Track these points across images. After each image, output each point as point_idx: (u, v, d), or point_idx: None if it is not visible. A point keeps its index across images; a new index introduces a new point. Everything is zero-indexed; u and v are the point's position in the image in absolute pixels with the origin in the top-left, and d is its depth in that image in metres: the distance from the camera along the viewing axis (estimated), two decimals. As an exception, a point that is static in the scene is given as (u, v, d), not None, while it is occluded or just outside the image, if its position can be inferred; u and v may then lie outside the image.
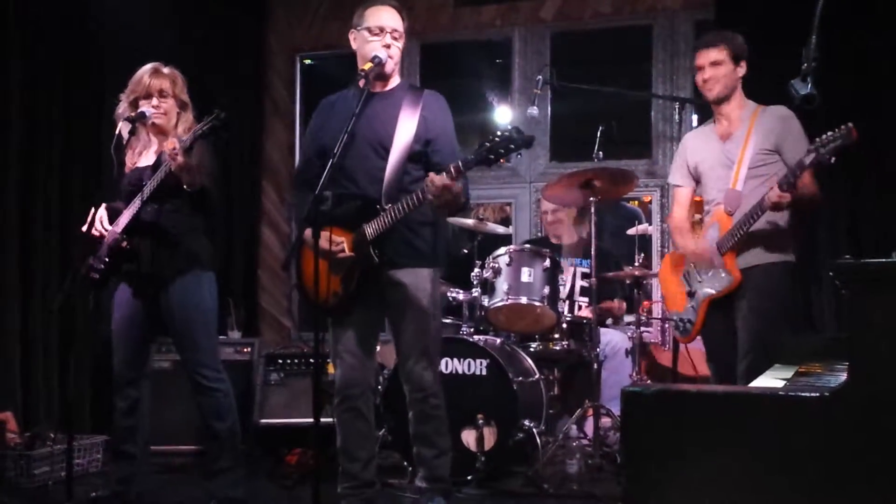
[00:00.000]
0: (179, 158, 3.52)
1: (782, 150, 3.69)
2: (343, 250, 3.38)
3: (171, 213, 3.74)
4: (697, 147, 3.94)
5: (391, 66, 3.48)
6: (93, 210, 3.82)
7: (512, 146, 3.10)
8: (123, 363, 3.81)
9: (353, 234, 3.40)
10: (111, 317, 3.89)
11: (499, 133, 3.11)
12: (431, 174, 3.20)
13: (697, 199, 4.02)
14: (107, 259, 3.75)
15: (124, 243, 3.72)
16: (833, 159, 3.32)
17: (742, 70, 3.78)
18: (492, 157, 3.12)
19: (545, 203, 5.29)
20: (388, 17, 3.48)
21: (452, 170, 3.16)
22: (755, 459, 2.20)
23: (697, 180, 3.95)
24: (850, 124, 3.25)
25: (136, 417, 3.83)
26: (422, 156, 3.46)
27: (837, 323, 4.75)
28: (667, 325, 4.92)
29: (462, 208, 3.45)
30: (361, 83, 3.44)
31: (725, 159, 3.78)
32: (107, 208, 3.82)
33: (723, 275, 3.69)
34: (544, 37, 6.10)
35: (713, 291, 3.73)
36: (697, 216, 4.83)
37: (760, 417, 2.24)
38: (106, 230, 3.77)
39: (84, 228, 3.80)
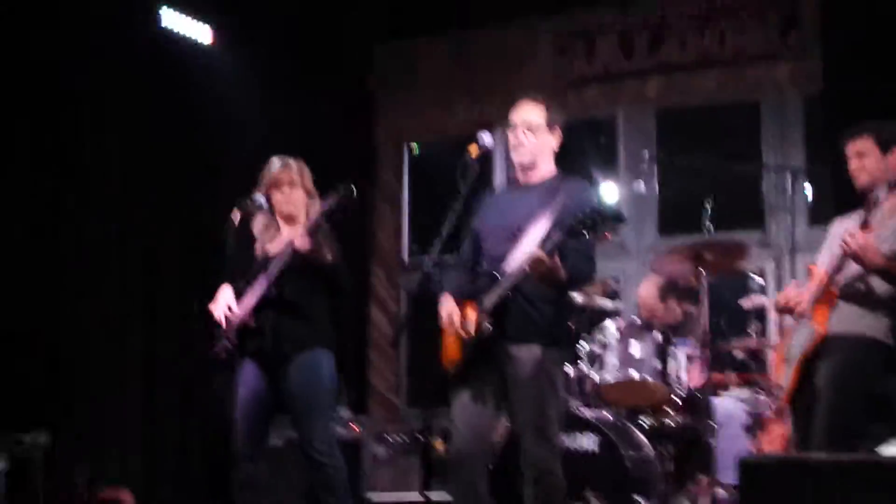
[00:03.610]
0: (306, 239, 3.66)
1: None
2: (464, 327, 3.44)
3: (297, 292, 3.84)
4: (838, 231, 3.71)
5: (524, 158, 3.55)
6: (221, 290, 3.92)
7: (599, 219, 3.17)
8: (243, 439, 3.87)
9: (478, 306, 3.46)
10: (228, 396, 3.98)
11: (587, 209, 3.19)
12: (533, 247, 3.26)
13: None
14: (234, 339, 3.85)
15: (251, 321, 3.83)
16: None
17: (894, 159, 3.60)
18: (578, 230, 3.18)
19: (646, 299, 5.20)
20: (519, 114, 3.58)
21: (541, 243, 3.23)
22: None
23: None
24: None
25: (253, 493, 3.87)
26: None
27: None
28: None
29: (562, 283, 3.41)
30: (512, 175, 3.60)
31: None
32: (234, 291, 3.94)
33: (808, 329, 3.54)
34: (648, 114, 6.12)
35: (801, 349, 3.55)
36: None
37: (882, 486, 2.15)
38: (233, 312, 3.88)
39: (211, 307, 3.90)
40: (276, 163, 3.99)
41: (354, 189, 3.63)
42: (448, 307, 3.53)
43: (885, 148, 3.62)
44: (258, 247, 4.02)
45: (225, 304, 3.89)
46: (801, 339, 3.60)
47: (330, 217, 3.71)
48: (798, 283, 3.76)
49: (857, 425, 3.38)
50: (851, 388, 3.46)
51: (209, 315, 3.92)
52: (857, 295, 3.51)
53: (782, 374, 3.72)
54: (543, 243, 3.24)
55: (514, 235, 3.48)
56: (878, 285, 3.49)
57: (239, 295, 3.91)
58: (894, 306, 3.52)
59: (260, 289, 3.82)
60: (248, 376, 3.89)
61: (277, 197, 3.95)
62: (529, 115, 3.57)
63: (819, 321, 3.52)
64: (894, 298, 3.51)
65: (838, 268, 3.49)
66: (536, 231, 3.42)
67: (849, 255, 3.41)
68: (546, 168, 3.63)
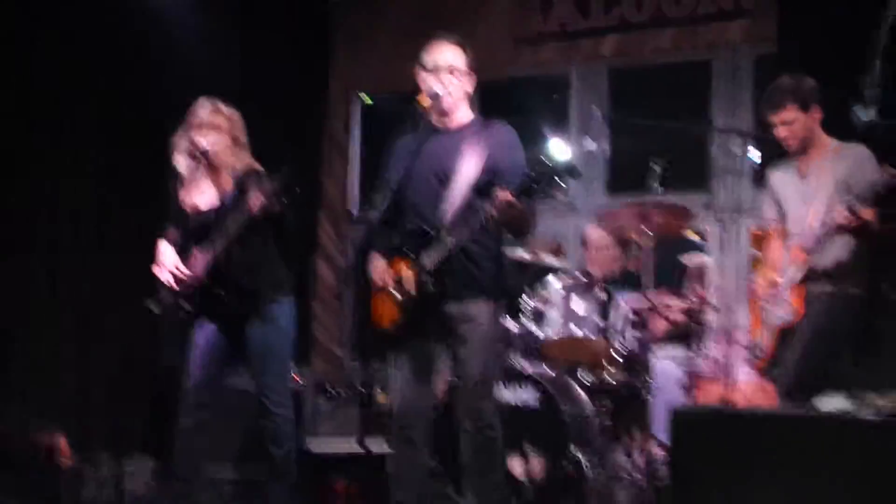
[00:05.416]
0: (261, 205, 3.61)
1: (853, 189, 3.68)
2: (399, 289, 3.39)
3: (247, 249, 3.79)
4: (778, 182, 3.99)
5: (448, 101, 3.46)
6: (160, 248, 3.87)
7: (554, 176, 3.13)
8: (197, 387, 3.84)
9: (416, 265, 3.39)
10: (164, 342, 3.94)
11: (540, 164, 3.15)
12: (498, 190, 3.18)
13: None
14: (194, 301, 3.82)
15: (215, 290, 3.79)
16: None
17: (816, 114, 3.80)
18: (534, 186, 3.13)
19: (599, 239, 5.19)
20: (442, 55, 3.48)
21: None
22: (809, 481, 2.13)
23: (784, 216, 3.99)
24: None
25: (197, 439, 3.85)
26: (488, 187, 3.37)
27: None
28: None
29: (529, 231, 3.44)
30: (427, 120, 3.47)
31: (803, 196, 3.82)
32: (171, 242, 3.88)
33: (788, 308, 3.74)
34: (601, 73, 6.09)
35: (779, 322, 3.77)
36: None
37: (816, 440, 2.18)
38: (183, 273, 3.82)
39: (155, 269, 3.86)
40: (204, 104, 3.85)
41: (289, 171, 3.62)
42: (379, 267, 3.47)
43: (806, 109, 3.77)
44: (185, 197, 3.91)
45: (172, 265, 3.83)
46: (780, 311, 3.78)
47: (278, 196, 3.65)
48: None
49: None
50: (825, 347, 3.67)
51: (154, 275, 3.85)
52: (825, 264, 3.71)
53: (759, 334, 3.90)
54: (510, 187, 3.15)
55: (441, 183, 3.41)
56: (839, 248, 3.69)
57: (177, 249, 3.85)
58: (857, 258, 3.72)
59: (210, 255, 3.76)
60: (209, 329, 3.86)
61: (207, 143, 3.81)
62: (452, 58, 3.46)
63: (796, 302, 3.72)
64: (855, 255, 3.72)
65: (819, 245, 3.67)
66: (466, 177, 3.37)
67: (847, 230, 3.58)
68: (464, 112, 3.55)
